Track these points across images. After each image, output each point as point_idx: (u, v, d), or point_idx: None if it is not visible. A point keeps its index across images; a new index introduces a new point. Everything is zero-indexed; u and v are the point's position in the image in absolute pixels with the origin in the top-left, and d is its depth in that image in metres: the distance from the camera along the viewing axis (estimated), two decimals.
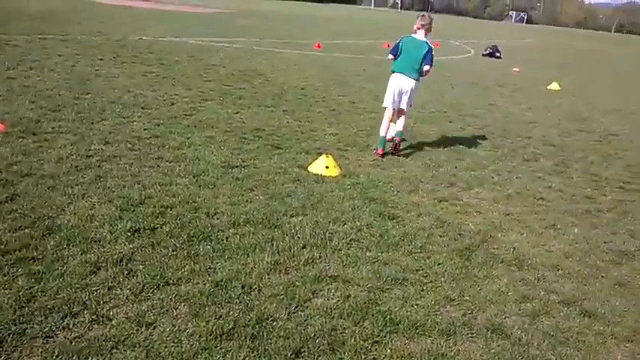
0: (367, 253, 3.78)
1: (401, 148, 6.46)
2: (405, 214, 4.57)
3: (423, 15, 6.50)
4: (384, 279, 3.45)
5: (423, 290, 3.39)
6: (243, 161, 5.43)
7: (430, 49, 6.15)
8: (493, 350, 2.89)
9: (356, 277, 3.43)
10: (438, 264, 3.75)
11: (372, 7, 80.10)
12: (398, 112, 6.41)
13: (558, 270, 3.92)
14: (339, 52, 17.04)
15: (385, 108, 6.40)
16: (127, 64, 10.29)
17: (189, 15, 26.41)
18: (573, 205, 5.35)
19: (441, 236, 4.23)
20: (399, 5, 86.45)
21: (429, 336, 2.94)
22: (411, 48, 6.17)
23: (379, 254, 3.79)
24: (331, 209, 4.45)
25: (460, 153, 6.77)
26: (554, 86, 14.03)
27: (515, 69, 17.52)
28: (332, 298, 3.16)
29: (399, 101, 6.32)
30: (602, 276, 3.92)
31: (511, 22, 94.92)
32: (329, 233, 4.00)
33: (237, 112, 7.50)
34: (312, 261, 3.57)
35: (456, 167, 6.13)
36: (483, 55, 21.28)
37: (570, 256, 4.18)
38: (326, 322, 2.92)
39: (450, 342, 2.92)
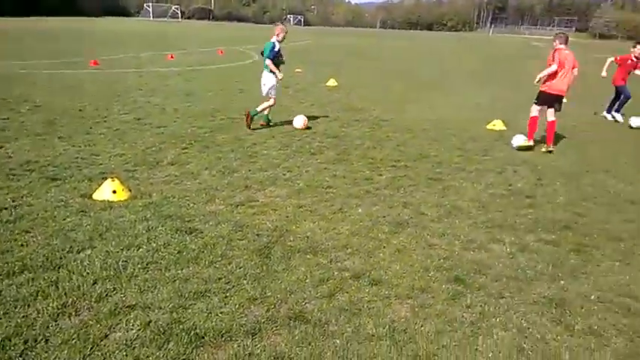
0: (166, 273, 3.68)
1: (251, 123, 8.58)
2: (204, 226, 4.56)
3: (276, 23, 8.94)
4: (186, 295, 3.41)
5: (226, 297, 3.44)
6: (14, 201, 4.81)
7: (273, 46, 8.26)
8: (297, 337, 3.08)
9: (156, 300, 3.32)
10: (240, 268, 3.84)
11: (151, 18, 77.31)
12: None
13: (347, 249, 4.33)
14: (119, 67, 16.11)
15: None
16: None
17: None
18: (356, 188, 5.95)
19: (240, 240, 4.33)
20: (179, 15, 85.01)
21: (236, 340, 3.00)
22: (264, 49, 8.40)
23: (179, 271, 3.72)
24: (123, 235, 4.22)
25: (252, 156, 6.99)
26: (332, 82, 15.34)
27: (297, 70, 18.65)
28: (131, 329, 3.01)
29: (265, 91, 8.65)
30: (384, 246, 4.45)
31: (290, 25, 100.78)
32: (122, 261, 3.78)
33: (0, 147, 6.59)
34: (106, 295, 3.35)
35: (249, 170, 6.32)
36: None
37: (357, 234, 4.65)
38: (127, 355, 2.78)
39: (257, 340, 3.02)
